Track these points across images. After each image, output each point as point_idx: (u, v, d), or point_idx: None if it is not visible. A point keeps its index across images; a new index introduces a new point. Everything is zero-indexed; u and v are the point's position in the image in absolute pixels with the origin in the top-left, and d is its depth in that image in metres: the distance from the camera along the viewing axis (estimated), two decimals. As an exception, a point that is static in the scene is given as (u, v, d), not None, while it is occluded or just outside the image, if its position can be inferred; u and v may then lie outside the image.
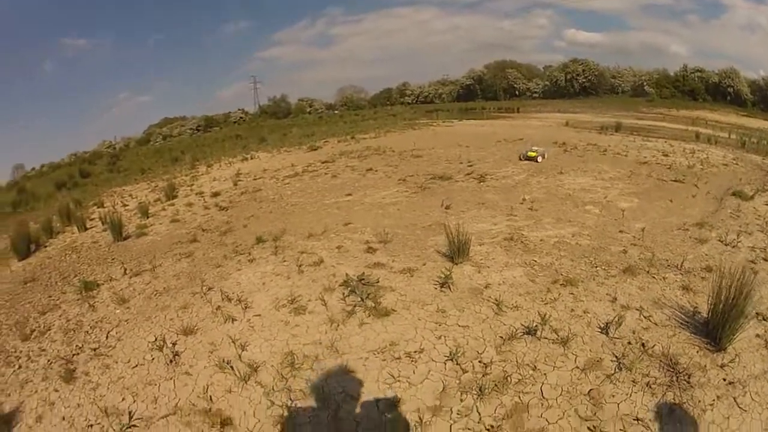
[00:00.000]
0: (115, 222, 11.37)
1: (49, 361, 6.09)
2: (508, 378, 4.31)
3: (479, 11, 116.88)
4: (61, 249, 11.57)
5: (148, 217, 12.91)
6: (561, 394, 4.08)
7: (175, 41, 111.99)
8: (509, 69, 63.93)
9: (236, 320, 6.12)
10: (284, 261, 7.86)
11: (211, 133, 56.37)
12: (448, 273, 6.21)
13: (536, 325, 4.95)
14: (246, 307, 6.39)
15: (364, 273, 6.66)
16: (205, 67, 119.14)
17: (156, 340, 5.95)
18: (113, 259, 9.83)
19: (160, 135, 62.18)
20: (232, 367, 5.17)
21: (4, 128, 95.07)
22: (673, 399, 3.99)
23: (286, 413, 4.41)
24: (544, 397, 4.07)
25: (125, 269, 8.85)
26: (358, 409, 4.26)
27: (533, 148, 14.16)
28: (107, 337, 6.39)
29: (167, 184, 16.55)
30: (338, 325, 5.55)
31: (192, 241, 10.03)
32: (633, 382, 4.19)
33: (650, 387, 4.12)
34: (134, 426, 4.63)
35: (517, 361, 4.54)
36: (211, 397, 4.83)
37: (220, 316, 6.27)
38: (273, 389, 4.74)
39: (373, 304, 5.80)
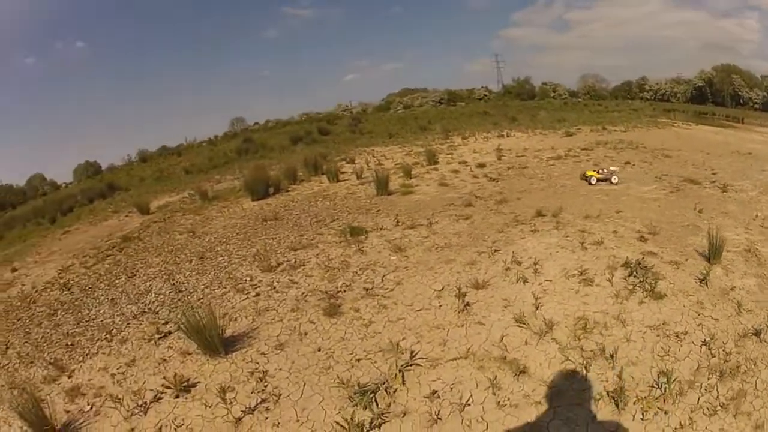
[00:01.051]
0: (382, 177, 13.37)
1: (303, 293, 7.56)
2: (739, 368, 5.36)
3: (700, 6, 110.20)
4: (309, 195, 14.12)
5: (410, 178, 14.88)
6: (766, 388, 5.10)
7: (417, 15, 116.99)
8: (734, 74, 65.35)
9: (528, 282, 7.18)
10: (567, 236, 8.92)
11: (456, 108, 60.04)
12: (707, 272, 7.27)
13: (762, 329, 5.93)
14: (536, 272, 7.44)
15: (643, 257, 7.70)
16: (446, 42, 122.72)
17: (443, 288, 7.20)
18: (378, 210, 11.71)
19: (400, 104, 68.44)
20: (526, 322, 6.13)
21: (224, 86, 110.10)
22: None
23: (578, 369, 5.34)
24: (756, 388, 5.09)
25: (398, 221, 10.44)
26: (637, 373, 5.25)
27: (600, 168, 14.23)
28: (382, 280, 7.76)
29: (427, 150, 19.03)
30: (622, 300, 6.63)
31: (467, 205, 11.56)
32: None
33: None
34: (416, 365, 5.62)
35: (746, 356, 5.56)
36: (506, 346, 5.79)
37: (512, 276, 7.41)
38: (567, 347, 5.68)
39: (650, 287, 6.83)
